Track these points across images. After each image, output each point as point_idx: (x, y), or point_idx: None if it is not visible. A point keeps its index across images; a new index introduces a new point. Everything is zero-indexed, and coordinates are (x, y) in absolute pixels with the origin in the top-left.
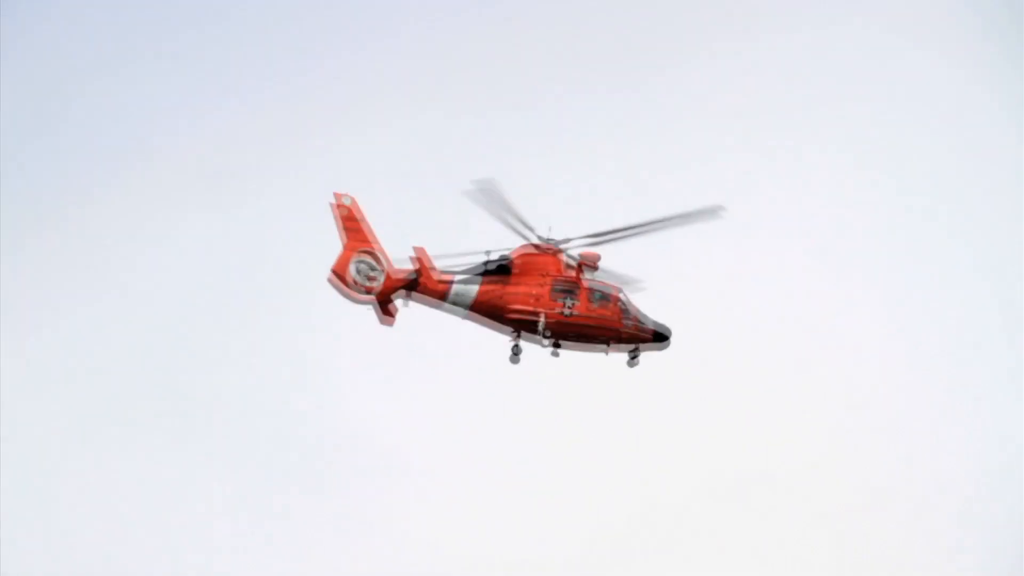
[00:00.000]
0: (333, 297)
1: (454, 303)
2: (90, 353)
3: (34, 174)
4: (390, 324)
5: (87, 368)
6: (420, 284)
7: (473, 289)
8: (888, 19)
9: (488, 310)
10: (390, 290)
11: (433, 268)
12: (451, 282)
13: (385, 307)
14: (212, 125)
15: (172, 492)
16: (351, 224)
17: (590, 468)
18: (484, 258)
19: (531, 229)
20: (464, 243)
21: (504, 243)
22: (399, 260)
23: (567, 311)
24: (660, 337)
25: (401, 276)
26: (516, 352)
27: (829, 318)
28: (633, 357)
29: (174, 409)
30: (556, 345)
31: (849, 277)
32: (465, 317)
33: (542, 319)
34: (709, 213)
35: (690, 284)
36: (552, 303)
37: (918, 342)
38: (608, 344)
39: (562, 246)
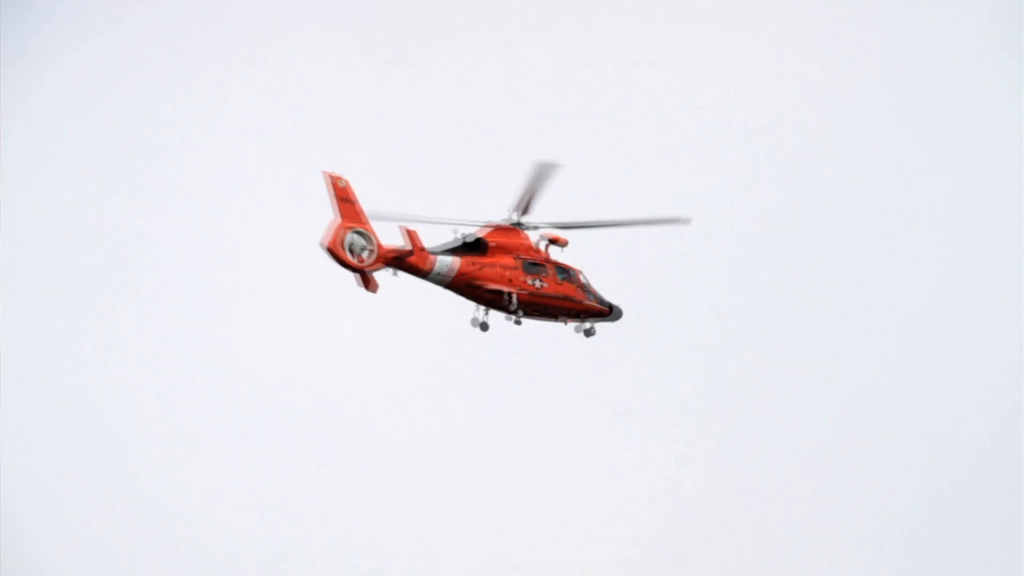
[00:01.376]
0: (325, 265)
1: (437, 278)
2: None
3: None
4: (374, 292)
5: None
6: (409, 261)
7: (454, 266)
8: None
9: (466, 285)
10: (381, 264)
11: (423, 248)
12: (435, 259)
13: (370, 278)
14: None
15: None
16: (345, 201)
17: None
18: (453, 235)
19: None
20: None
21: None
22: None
23: (538, 287)
24: (615, 312)
25: (393, 252)
26: (484, 328)
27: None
28: (589, 330)
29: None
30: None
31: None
32: (445, 289)
33: (515, 296)
34: (676, 221)
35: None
36: (523, 280)
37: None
38: (569, 317)
39: (527, 229)
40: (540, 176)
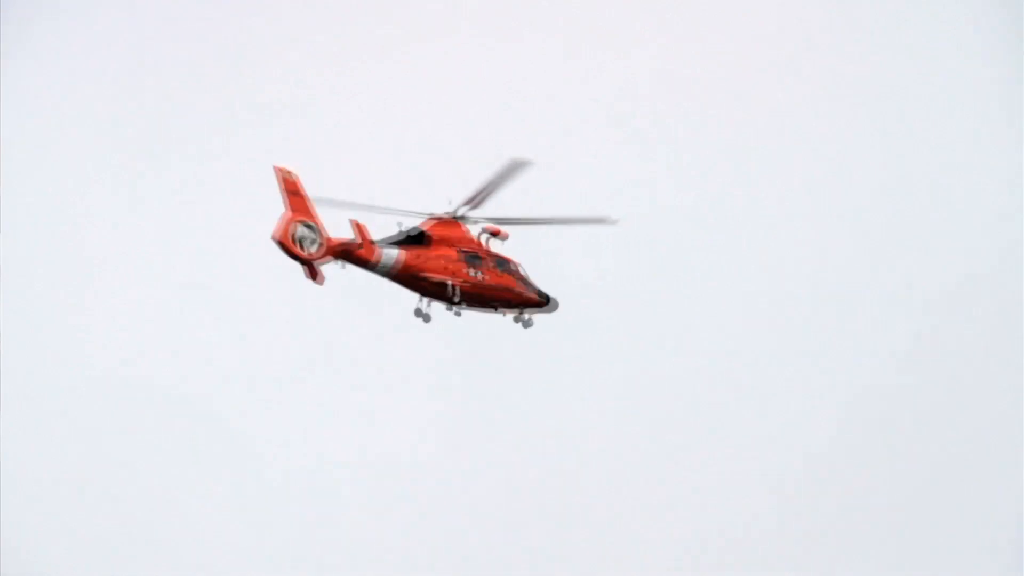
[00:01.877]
0: (274, 256)
1: (383, 270)
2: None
3: None
4: (320, 283)
5: None
6: (357, 253)
7: (399, 259)
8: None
9: (410, 276)
10: (330, 256)
11: (371, 241)
12: (382, 251)
13: (317, 270)
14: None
15: None
16: (294, 194)
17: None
18: (397, 228)
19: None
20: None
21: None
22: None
23: (478, 279)
24: (551, 303)
25: (341, 244)
26: (427, 319)
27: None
28: (527, 321)
29: None
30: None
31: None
32: (391, 280)
33: (457, 287)
34: (604, 221)
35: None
36: (463, 271)
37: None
38: (508, 308)
39: (468, 223)
40: (508, 173)
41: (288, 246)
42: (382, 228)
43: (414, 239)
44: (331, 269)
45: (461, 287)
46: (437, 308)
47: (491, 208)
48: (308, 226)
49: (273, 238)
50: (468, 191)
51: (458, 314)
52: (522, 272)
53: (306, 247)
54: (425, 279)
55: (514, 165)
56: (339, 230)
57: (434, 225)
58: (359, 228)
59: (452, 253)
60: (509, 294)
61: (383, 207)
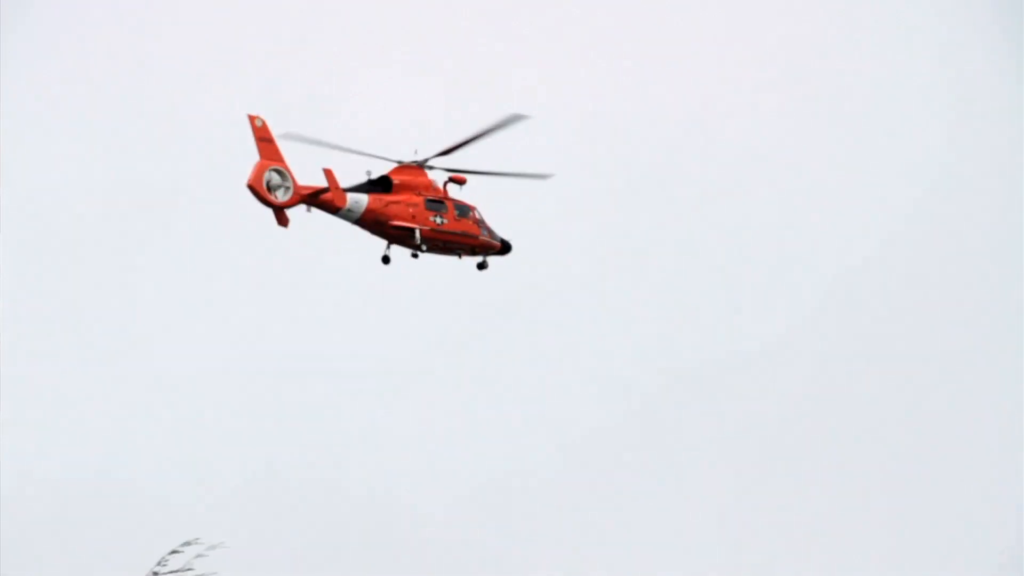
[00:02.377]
0: (246, 200)
1: (348, 215)
2: None
3: None
4: (286, 226)
5: None
6: (325, 199)
7: (363, 203)
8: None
9: (374, 221)
10: (298, 200)
11: (339, 187)
12: (348, 196)
13: (283, 213)
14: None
15: None
16: (265, 141)
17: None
18: (366, 176)
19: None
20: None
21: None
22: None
23: (439, 224)
24: (506, 247)
25: (309, 190)
26: (386, 261)
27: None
28: (482, 263)
29: None
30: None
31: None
32: (354, 224)
33: (418, 231)
34: (540, 176)
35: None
36: (426, 216)
37: None
38: (466, 252)
39: (429, 169)
40: (501, 126)
41: (261, 192)
42: (349, 174)
43: (376, 183)
44: (297, 212)
45: (425, 233)
46: (397, 251)
47: (443, 158)
48: (279, 172)
49: (247, 184)
50: (451, 141)
51: (414, 256)
52: (479, 217)
53: (278, 194)
54: (387, 223)
55: (510, 119)
56: (305, 173)
57: (397, 170)
58: (328, 175)
59: (417, 199)
60: (468, 239)
61: (350, 148)
